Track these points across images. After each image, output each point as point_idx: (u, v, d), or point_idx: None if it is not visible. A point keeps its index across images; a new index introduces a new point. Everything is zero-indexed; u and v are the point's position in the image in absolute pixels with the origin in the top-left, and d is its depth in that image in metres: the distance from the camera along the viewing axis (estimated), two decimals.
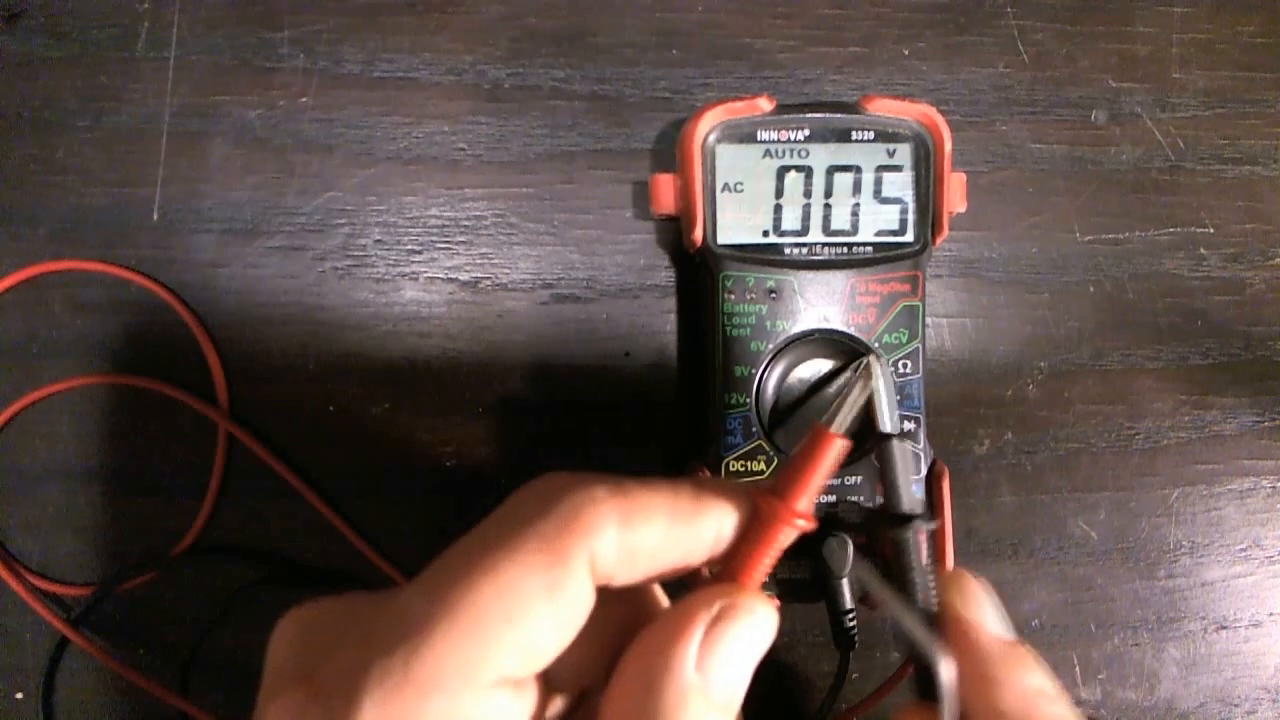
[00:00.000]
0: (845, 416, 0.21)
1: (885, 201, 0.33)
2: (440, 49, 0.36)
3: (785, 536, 0.20)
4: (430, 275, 0.36)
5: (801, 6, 0.37)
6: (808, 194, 0.33)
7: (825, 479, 0.20)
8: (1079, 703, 0.37)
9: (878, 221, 0.33)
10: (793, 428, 0.32)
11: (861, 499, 0.32)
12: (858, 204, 0.33)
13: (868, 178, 0.33)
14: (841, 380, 0.32)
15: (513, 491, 0.20)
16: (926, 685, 0.21)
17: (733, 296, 0.32)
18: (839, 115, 0.32)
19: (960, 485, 0.36)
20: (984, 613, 0.21)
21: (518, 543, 0.18)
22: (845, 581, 0.31)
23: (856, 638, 0.31)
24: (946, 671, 0.19)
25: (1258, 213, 0.39)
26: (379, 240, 0.36)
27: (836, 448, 0.20)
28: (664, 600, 0.22)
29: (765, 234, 0.32)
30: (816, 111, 0.32)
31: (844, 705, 0.35)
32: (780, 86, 0.37)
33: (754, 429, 0.32)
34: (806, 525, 0.20)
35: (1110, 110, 0.38)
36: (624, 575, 0.19)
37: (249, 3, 0.36)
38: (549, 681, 0.20)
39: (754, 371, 0.32)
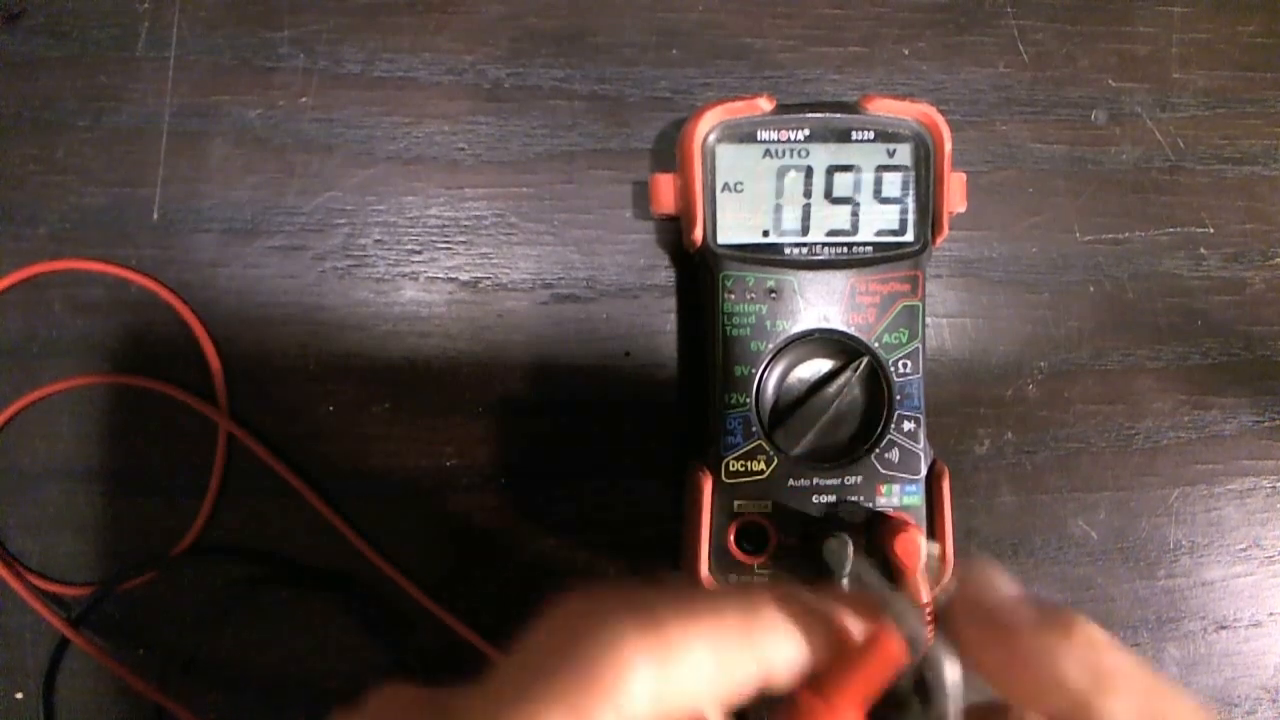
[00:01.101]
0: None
1: (885, 201, 0.33)
2: (440, 49, 0.36)
3: None
4: (430, 275, 0.36)
5: (801, 6, 0.37)
6: (808, 194, 0.33)
7: (880, 685, 0.17)
8: None
9: (878, 221, 0.33)
10: (793, 427, 0.32)
11: (861, 499, 0.32)
12: (858, 204, 0.33)
13: (868, 178, 0.33)
14: (841, 380, 0.32)
15: (536, 621, 0.17)
16: (923, 688, 0.20)
17: (733, 296, 0.32)
18: (839, 115, 0.32)
19: (960, 485, 0.36)
20: (1004, 586, 0.19)
21: (539, 709, 0.15)
22: (845, 581, 0.31)
23: None
24: (951, 671, 0.19)
25: (1258, 213, 0.39)
26: (379, 240, 0.36)
27: (898, 661, 0.17)
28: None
29: (765, 234, 0.32)
30: (816, 111, 0.32)
31: None
32: (780, 86, 0.37)
33: (754, 429, 0.32)
34: None
35: (1110, 110, 0.38)
36: (668, 714, 0.16)
37: (249, 3, 0.36)
38: None
39: (754, 371, 0.32)
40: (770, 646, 0.17)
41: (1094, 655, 0.17)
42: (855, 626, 0.18)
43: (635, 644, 0.16)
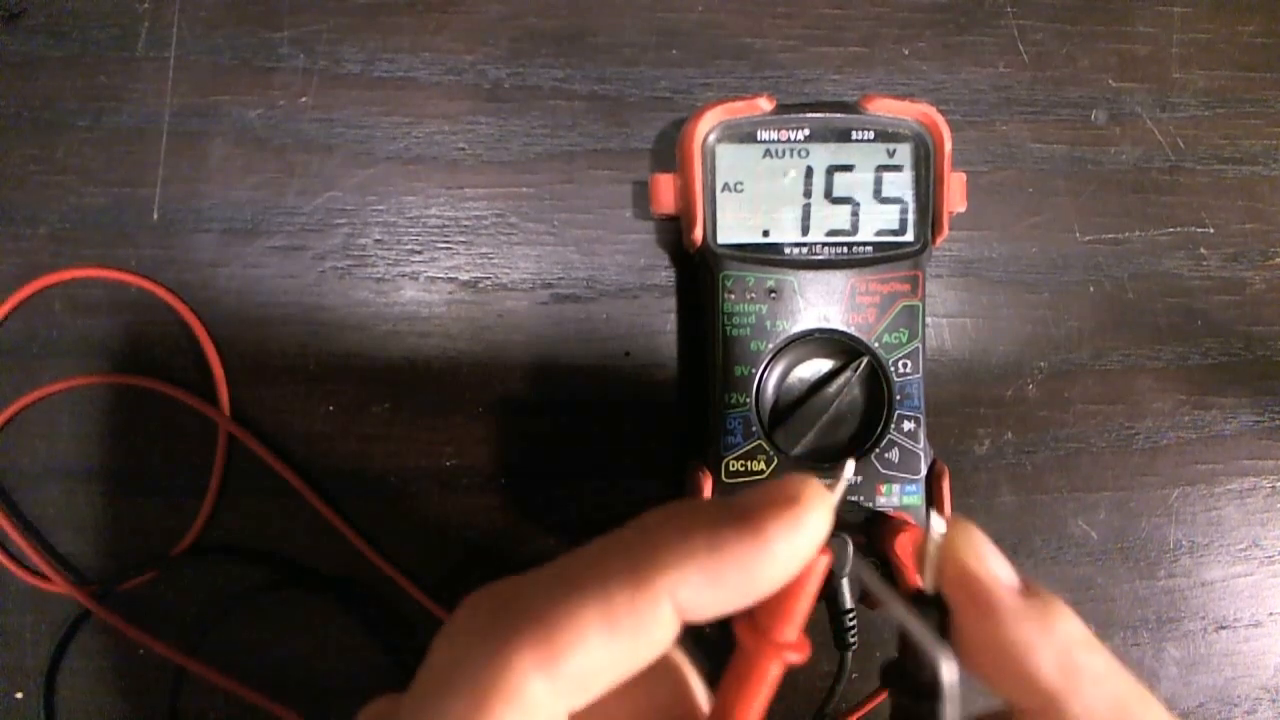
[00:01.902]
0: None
1: (885, 201, 0.33)
2: (440, 49, 0.36)
3: (776, 670, 0.17)
4: (430, 275, 0.36)
5: (801, 6, 0.37)
6: (808, 194, 0.33)
7: (811, 602, 0.18)
8: None
9: (878, 221, 0.33)
10: (793, 427, 0.32)
11: (861, 499, 0.32)
12: (858, 204, 0.33)
13: (868, 178, 0.33)
14: (841, 380, 0.32)
15: (437, 637, 0.17)
16: (921, 689, 0.20)
17: (733, 296, 0.32)
18: (839, 115, 0.32)
19: (960, 485, 0.36)
20: (995, 565, 0.18)
21: None
22: (845, 581, 0.31)
23: (856, 638, 0.31)
24: (948, 671, 0.19)
25: (1258, 213, 0.39)
26: (379, 240, 0.36)
27: (820, 567, 0.18)
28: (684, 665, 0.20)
29: (765, 234, 0.32)
30: (816, 111, 0.32)
31: (844, 705, 0.35)
32: (780, 86, 0.37)
33: (754, 429, 0.32)
34: (798, 657, 0.17)
35: (1110, 110, 0.38)
36: (581, 702, 0.16)
37: (249, 3, 0.36)
38: None
39: (754, 371, 0.32)
40: (665, 619, 0.16)
41: (1068, 653, 0.17)
42: (770, 527, 0.17)
43: (527, 656, 0.15)
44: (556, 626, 0.16)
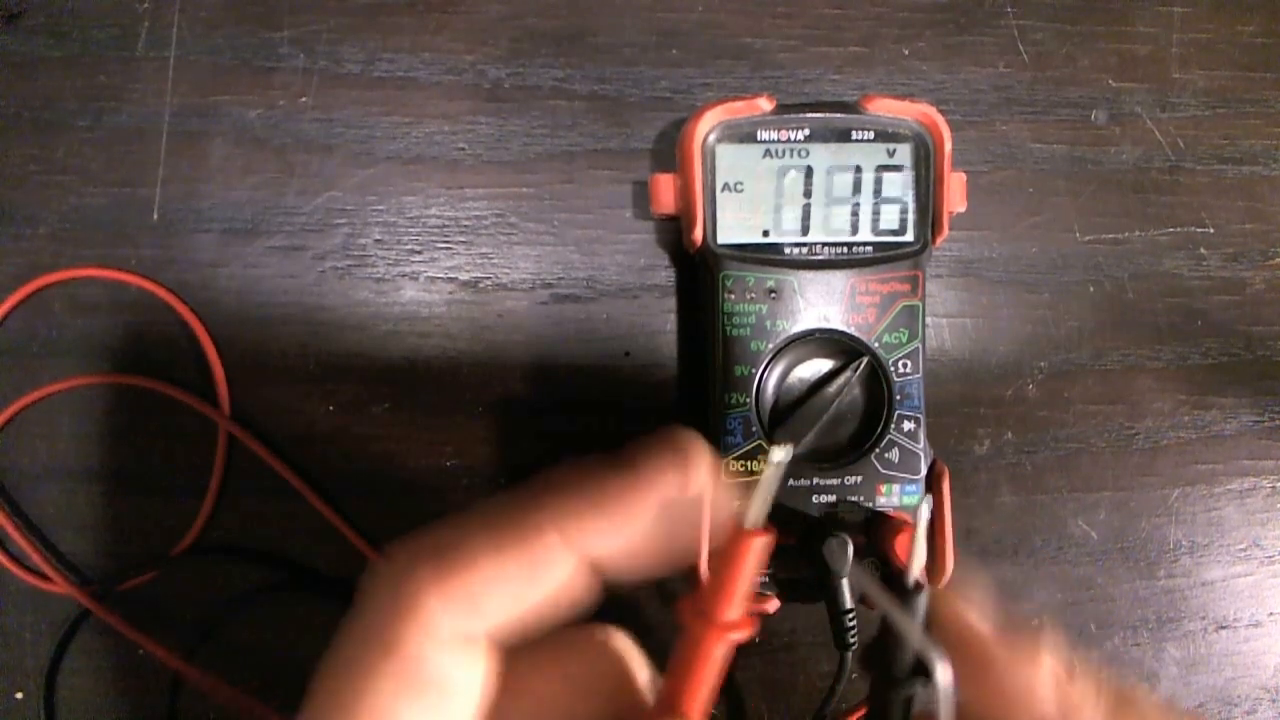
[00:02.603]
0: (758, 509, 0.19)
1: (885, 201, 0.33)
2: (440, 49, 0.36)
3: (721, 650, 0.18)
4: (430, 275, 0.36)
5: (801, 6, 0.37)
6: (808, 194, 0.33)
7: (751, 579, 0.18)
8: None
9: (878, 221, 0.33)
10: (793, 427, 0.32)
11: (861, 499, 0.32)
12: (858, 204, 0.33)
13: (868, 178, 0.33)
14: (841, 380, 0.32)
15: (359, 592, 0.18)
16: (898, 673, 0.20)
17: (733, 296, 0.32)
18: (839, 115, 0.32)
19: (960, 485, 0.36)
20: (974, 618, 0.20)
21: (368, 672, 0.17)
22: (845, 581, 0.31)
23: (856, 638, 0.31)
24: (944, 675, 0.19)
25: (1258, 213, 0.39)
26: (379, 240, 0.36)
27: (758, 546, 0.18)
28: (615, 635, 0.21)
29: (765, 234, 0.32)
30: (816, 111, 0.32)
31: (844, 705, 0.35)
32: (780, 86, 0.37)
33: (754, 429, 0.32)
34: (742, 636, 0.18)
35: (1110, 110, 0.38)
36: (480, 625, 0.18)
37: (249, 3, 0.36)
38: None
39: (754, 371, 0.32)
40: (555, 552, 0.18)
41: (1062, 686, 0.19)
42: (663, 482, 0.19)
43: (425, 580, 0.17)
44: (449, 551, 0.18)
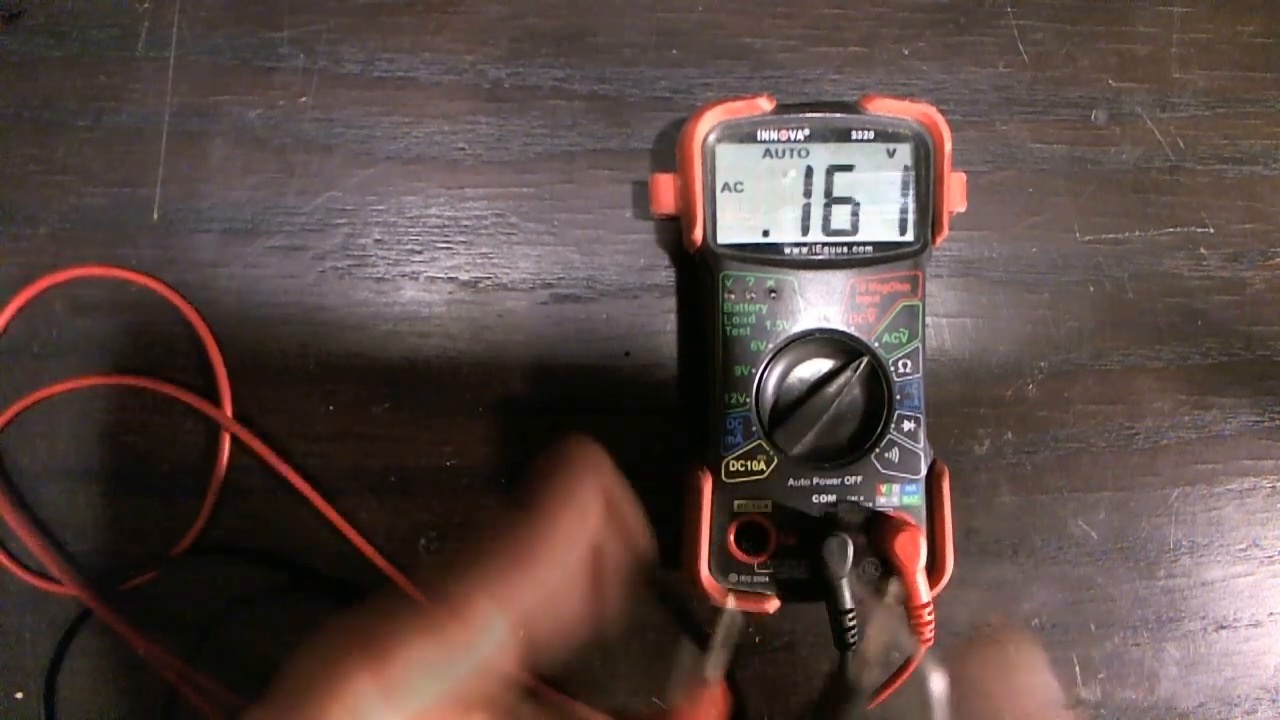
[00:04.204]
0: (716, 660, 0.20)
1: (885, 201, 0.33)
2: (440, 49, 0.36)
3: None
4: (430, 275, 0.36)
5: (801, 6, 0.37)
6: (808, 194, 0.33)
7: None
8: (1078, 703, 0.37)
9: (878, 221, 0.33)
10: (793, 427, 0.32)
11: (861, 499, 0.32)
12: (858, 204, 0.33)
13: (868, 178, 0.33)
14: (841, 380, 0.32)
15: (284, 672, 0.18)
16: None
17: (733, 296, 0.32)
18: (839, 115, 0.32)
19: (960, 485, 0.36)
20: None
21: None
22: (845, 581, 0.31)
23: (856, 638, 0.31)
24: (937, 683, 0.19)
25: (1258, 213, 0.39)
26: (379, 240, 0.36)
27: (717, 698, 0.19)
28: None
29: (765, 234, 0.32)
30: (816, 111, 0.32)
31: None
32: (780, 86, 0.37)
33: (754, 429, 0.32)
34: None
35: (1110, 110, 0.38)
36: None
37: (249, 3, 0.36)
38: None
39: (754, 371, 0.32)
40: (488, 625, 0.18)
41: None
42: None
43: (356, 666, 0.17)
44: (380, 634, 0.18)
